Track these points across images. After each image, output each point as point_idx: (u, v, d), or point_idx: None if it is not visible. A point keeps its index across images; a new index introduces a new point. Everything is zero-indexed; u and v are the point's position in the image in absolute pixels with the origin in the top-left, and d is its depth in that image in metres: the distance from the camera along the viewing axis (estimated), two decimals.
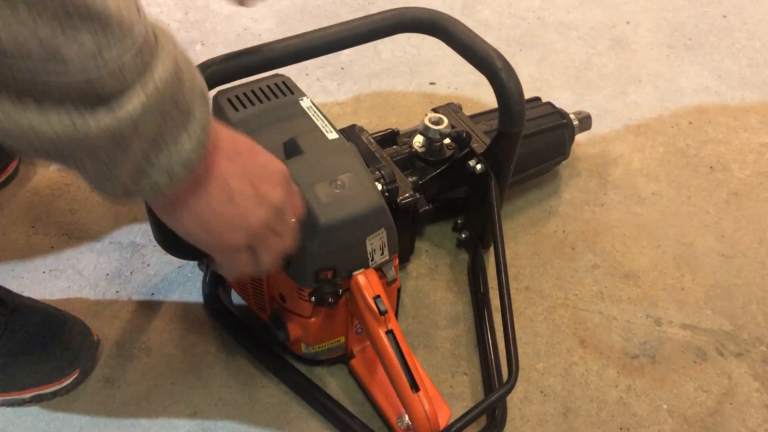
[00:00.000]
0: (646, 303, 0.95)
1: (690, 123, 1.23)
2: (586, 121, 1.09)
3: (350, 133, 0.98)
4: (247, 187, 0.55)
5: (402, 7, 0.87)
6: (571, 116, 1.07)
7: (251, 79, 0.85)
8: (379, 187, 0.78)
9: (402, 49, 1.35)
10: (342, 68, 1.30)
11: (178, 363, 0.86)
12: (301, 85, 0.84)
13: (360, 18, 0.85)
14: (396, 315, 0.88)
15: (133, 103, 0.43)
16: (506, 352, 0.79)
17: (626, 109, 1.25)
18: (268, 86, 0.87)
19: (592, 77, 1.32)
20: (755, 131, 1.22)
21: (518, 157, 0.98)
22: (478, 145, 0.94)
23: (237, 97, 0.85)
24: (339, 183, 0.72)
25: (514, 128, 0.86)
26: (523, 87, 0.83)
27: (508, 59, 0.83)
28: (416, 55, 1.34)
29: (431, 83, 1.28)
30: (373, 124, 1.19)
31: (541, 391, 0.85)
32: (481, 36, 0.83)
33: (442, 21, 0.86)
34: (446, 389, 0.85)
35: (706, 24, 1.46)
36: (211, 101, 0.52)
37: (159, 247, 0.92)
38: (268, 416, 0.81)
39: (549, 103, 1.08)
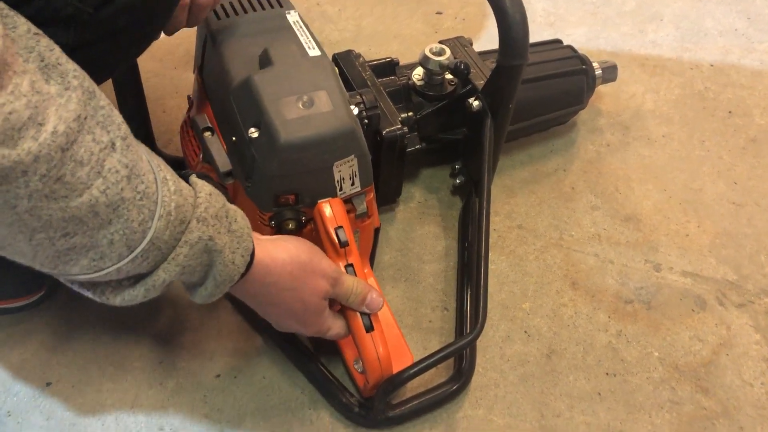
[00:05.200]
0: (646, 248, 0.90)
1: (711, 65, 1.15)
2: (610, 71, 1.00)
3: (345, 57, 0.92)
4: (290, 320, 0.66)
5: None
6: (595, 65, 0.99)
7: None
8: (356, 111, 0.72)
9: None
10: None
11: None
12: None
13: None
14: (372, 257, 0.83)
15: (160, 276, 0.52)
16: (474, 302, 0.74)
17: (643, 48, 1.17)
18: None
19: (610, 14, 1.24)
20: None
21: (528, 102, 0.91)
22: (483, 83, 0.87)
23: (222, 6, 0.80)
24: (307, 100, 0.67)
25: (514, 60, 0.79)
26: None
27: None
28: None
29: (438, 13, 1.21)
30: (372, 52, 1.13)
31: (525, 331, 0.81)
32: None
33: None
34: (425, 323, 0.81)
35: None
36: (250, 249, 0.58)
37: None
38: (234, 341, 0.78)
39: (569, 47, 1.00)
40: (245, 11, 0.80)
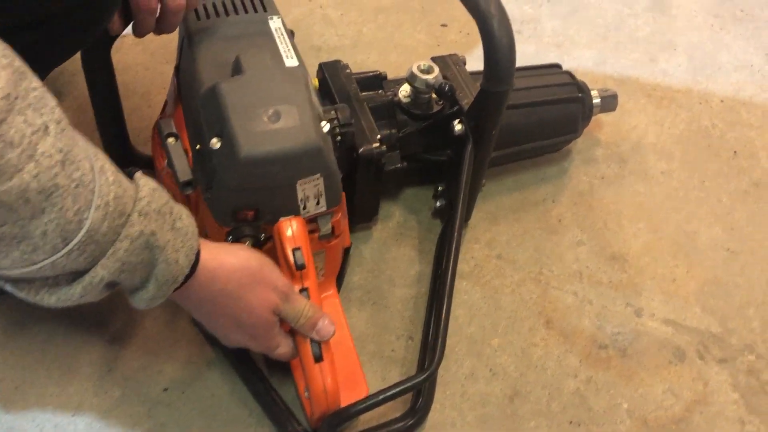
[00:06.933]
0: (630, 290, 0.86)
1: (722, 101, 1.10)
2: (609, 101, 0.96)
3: (331, 67, 0.89)
4: (237, 333, 0.64)
5: None
6: (594, 92, 0.94)
7: None
8: (327, 128, 0.67)
9: None
10: None
11: None
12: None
13: None
14: (341, 278, 0.80)
15: (99, 274, 0.49)
16: (432, 338, 0.70)
17: (652, 78, 1.13)
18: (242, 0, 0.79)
19: (621, 39, 1.19)
20: None
21: (517, 127, 0.88)
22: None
23: (204, 6, 0.77)
24: (273, 113, 0.64)
25: (498, 86, 0.75)
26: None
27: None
28: None
29: (442, 25, 1.18)
30: (371, 60, 1.10)
31: (491, 369, 0.77)
32: None
33: None
34: (388, 352, 0.78)
35: None
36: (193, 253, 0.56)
37: None
38: (188, 353, 0.76)
39: (568, 73, 0.96)
40: (227, 14, 0.77)
